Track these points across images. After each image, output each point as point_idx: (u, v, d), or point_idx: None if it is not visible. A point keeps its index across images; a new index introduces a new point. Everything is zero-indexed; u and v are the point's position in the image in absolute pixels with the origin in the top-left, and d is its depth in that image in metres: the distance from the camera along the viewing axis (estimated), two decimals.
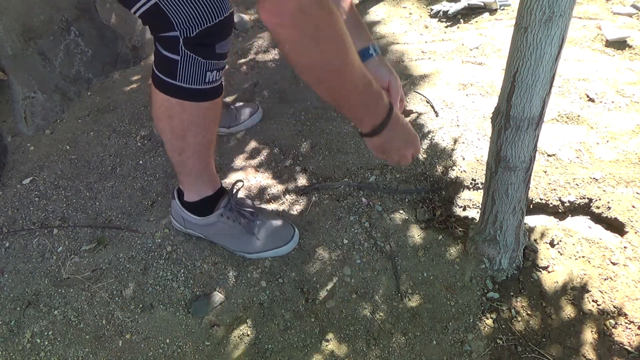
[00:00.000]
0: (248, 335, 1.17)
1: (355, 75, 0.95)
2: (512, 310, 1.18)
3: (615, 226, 1.32)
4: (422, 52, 2.05)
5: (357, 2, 2.44)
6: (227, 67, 2.00)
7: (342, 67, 0.92)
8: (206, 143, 1.18)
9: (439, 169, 1.50)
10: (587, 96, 1.72)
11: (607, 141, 1.54)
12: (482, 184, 1.44)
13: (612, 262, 1.23)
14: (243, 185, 1.47)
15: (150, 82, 2.03)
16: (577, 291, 1.19)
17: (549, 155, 1.51)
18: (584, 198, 1.38)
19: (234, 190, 1.29)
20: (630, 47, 1.95)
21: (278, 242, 1.30)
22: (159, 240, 1.35)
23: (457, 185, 1.47)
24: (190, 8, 0.93)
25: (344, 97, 0.99)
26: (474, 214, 1.39)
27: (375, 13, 2.39)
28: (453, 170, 1.50)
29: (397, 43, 2.14)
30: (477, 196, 1.42)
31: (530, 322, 1.16)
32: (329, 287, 1.25)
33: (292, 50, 0.87)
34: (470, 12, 2.32)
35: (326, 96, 1.03)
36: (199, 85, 1.04)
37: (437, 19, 2.32)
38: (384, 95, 1.03)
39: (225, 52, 1.04)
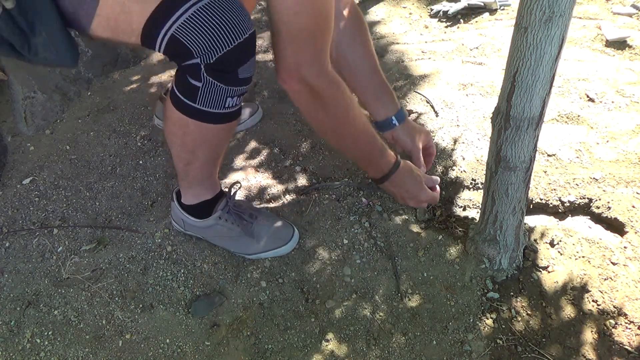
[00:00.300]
0: (248, 335, 1.17)
1: (356, 133, 1.13)
2: (512, 310, 1.18)
3: (615, 226, 1.32)
4: (422, 52, 2.05)
5: (357, 1, 2.44)
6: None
7: (342, 129, 1.11)
8: (215, 157, 1.20)
9: (439, 169, 1.50)
10: (587, 96, 1.72)
11: (607, 141, 1.55)
12: (482, 184, 1.44)
13: (612, 262, 1.23)
14: (241, 186, 1.47)
15: (150, 82, 2.04)
16: (577, 291, 1.19)
17: (549, 155, 1.51)
18: (584, 198, 1.38)
19: (232, 193, 1.29)
20: (630, 47, 1.95)
21: (277, 243, 1.30)
22: (159, 240, 1.35)
23: (457, 185, 1.47)
24: (206, 33, 0.92)
25: (346, 148, 1.18)
26: (474, 214, 1.39)
27: (375, 13, 2.39)
28: (453, 170, 1.50)
29: (397, 43, 2.14)
30: (477, 196, 1.42)
31: (530, 322, 1.16)
32: (329, 287, 1.25)
33: (302, 110, 1.08)
34: (470, 12, 2.32)
35: (333, 146, 1.25)
36: (218, 109, 1.03)
37: (437, 19, 2.32)
38: (388, 152, 1.20)
39: (248, 77, 1.02)
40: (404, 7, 2.42)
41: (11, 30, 0.89)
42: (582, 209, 1.38)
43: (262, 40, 2.16)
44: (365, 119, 1.14)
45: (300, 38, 0.96)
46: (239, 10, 0.95)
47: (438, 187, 1.34)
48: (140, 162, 1.61)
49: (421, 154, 1.36)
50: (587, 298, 1.18)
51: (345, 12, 1.27)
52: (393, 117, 1.34)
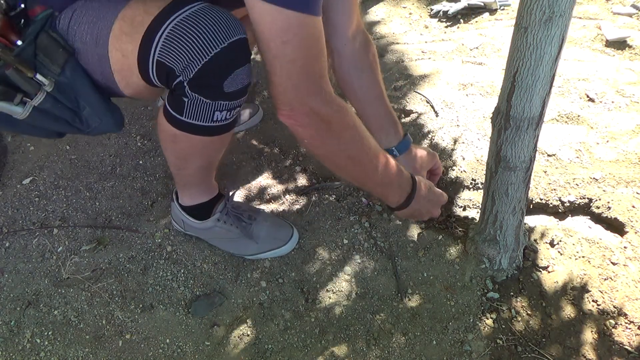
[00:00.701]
0: (248, 335, 1.17)
1: (371, 159, 1.06)
2: (512, 310, 1.18)
3: (615, 226, 1.32)
4: (422, 52, 2.05)
5: (358, 2, 2.44)
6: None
7: (357, 154, 1.04)
8: (207, 165, 1.17)
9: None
10: (587, 96, 1.72)
11: (607, 141, 1.55)
12: (482, 184, 1.44)
13: (612, 262, 1.23)
14: (239, 188, 1.47)
15: None
16: (577, 291, 1.19)
17: (549, 155, 1.51)
18: (584, 198, 1.38)
19: (230, 194, 1.29)
20: (630, 47, 1.95)
21: (276, 243, 1.30)
22: (159, 240, 1.35)
23: (457, 185, 1.47)
24: (183, 48, 0.88)
25: (364, 179, 1.10)
26: (474, 214, 1.39)
27: (375, 13, 2.39)
28: (453, 170, 1.50)
29: (397, 43, 2.14)
30: (477, 196, 1.42)
31: (530, 322, 1.16)
32: (329, 287, 1.25)
33: (311, 144, 1.01)
34: (470, 12, 2.32)
35: (349, 179, 1.17)
36: (206, 123, 1.00)
37: (437, 19, 2.32)
38: (404, 171, 1.14)
39: (236, 91, 0.96)
40: (404, 7, 2.42)
41: (59, 108, 1.00)
42: (582, 209, 1.38)
43: None
44: (373, 138, 1.08)
45: (296, 69, 0.89)
46: (218, 18, 0.89)
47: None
48: (140, 162, 1.61)
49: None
50: (587, 298, 1.18)
51: (354, 38, 1.26)
52: (394, 149, 1.32)
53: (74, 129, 1.05)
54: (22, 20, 0.96)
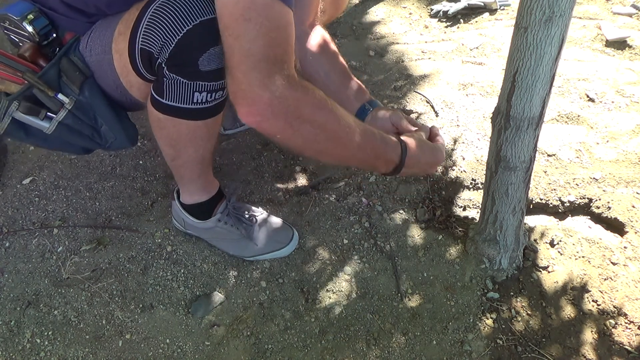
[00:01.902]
0: (248, 335, 1.17)
1: (352, 134, 0.98)
2: (512, 310, 1.18)
3: (615, 226, 1.32)
4: (422, 52, 2.05)
5: (357, 1, 2.44)
6: None
7: (336, 132, 0.97)
8: (200, 155, 1.15)
9: (439, 169, 1.50)
10: (587, 96, 1.72)
11: (607, 141, 1.55)
12: (482, 184, 1.44)
13: (612, 262, 1.23)
14: (240, 188, 1.47)
15: None
16: (577, 291, 1.19)
17: (549, 155, 1.51)
18: (584, 198, 1.38)
19: (231, 195, 1.28)
20: (630, 47, 1.95)
21: (276, 245, 1.29)
22: (159, 240, 1.35)
23: (457, 185, 1.47)
24: (158, 30, 0.90)
25: (349, 158, 1.04)
26: (474, 214, 1.39)
27: (375, 13, 2.39)
28: (453, 170, 1.50)
29: (397, 43, 2.14)
30: (477, 196, 1.42)
31: (530, 322, 1.16)
32: (329, 287, 1.25)
33: (284, 138, 0.93)
34: (470, 12, 2.32)
35: (334, 162, 1.14)
36: (186, 105, 0.99)
37: (437, 19, 2.32)
38: (390, 139, 1.06)
39: (214, 70, 0.93)
40: (404, 7, 2.42)
41: (80, 124, 1.08)
42: (582, 209, 1.38)
43: None
44: (349, 114, 1.01)
45: (256, 48, 0.83)
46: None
47: (439, 133, 1.22)
48: (140, 162, 1.61)
49: (405, 120, 1.20)
50: (587, 298, 1.18)
51: (311, 28, 1.25)
52: (366, 104, 1.23)
53: (95, 144, 1.13)
54: (57, 48, 1.08)
